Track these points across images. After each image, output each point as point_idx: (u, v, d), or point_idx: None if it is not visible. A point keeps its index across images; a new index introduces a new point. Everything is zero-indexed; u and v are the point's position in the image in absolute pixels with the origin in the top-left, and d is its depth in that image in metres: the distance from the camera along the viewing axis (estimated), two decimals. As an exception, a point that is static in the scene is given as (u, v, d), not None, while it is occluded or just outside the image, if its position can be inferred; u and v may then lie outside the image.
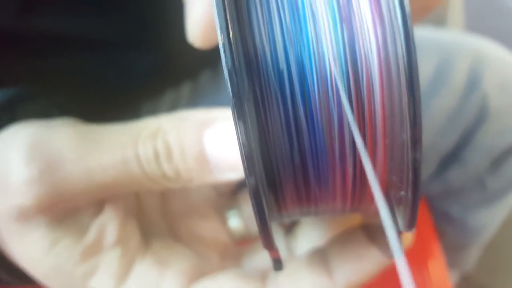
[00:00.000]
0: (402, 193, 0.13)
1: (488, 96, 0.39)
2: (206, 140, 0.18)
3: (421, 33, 0.41)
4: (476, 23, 0.62)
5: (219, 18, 0.11)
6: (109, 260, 0.20)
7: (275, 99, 0.13)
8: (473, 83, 0.39)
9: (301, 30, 0.13)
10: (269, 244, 0.14)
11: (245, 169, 0.12)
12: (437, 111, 0.39)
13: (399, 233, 0.14)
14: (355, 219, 0.21)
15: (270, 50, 0.13)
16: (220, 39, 0.11)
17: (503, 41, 0.47)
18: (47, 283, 0.21)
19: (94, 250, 0.20)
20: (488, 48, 0.41)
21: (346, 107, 0.12)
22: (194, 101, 0.42)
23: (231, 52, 0.11)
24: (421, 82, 0.43)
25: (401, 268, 0.10)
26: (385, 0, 0.12)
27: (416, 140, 0.12)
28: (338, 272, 0.18)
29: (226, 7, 0.11)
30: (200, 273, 0.21)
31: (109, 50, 0.34)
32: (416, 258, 0.45)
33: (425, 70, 0.39)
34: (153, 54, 0.36)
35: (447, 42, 0.41)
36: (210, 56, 0.23)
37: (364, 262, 0.18)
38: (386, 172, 0.14)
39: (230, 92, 0.11)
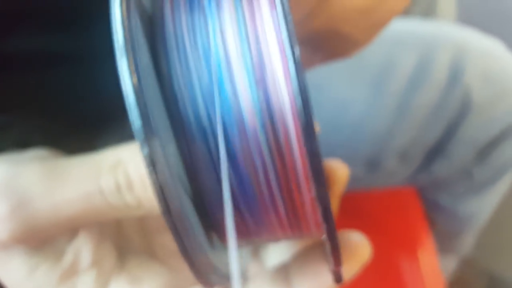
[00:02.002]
0: (324, 237, 0.14)
1: (471, 89, 0.39)
2: None
3: (401, 26, 0.41)
4: (469, 12, 0.61)
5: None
6: (86, 282, 0.21)
7: (202, 155, 0.14)
8: (455, 76, 0.39)
9: (219, 90, 0.13)
10: (199, 278, 0.15)
11: (167, 222, 0.13)
12: (419, 105, 0.39)
13: (338, 267, 0.15)
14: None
15: (193, 110, 0.14)
16: (129, 107, 0.12)
17: (496, 29, 0.46)
18: (30, 305, 0.22)
19: (70, 273, 0.21)
20: (470, 39, 0.41)
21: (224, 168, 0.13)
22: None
23: (143, 115, 0.12)
24: (402, 77, 0.43)
25: None
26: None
27: (321, 195, 0.12)
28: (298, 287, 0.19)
29: (135, 80, 0.12)
30: None
31: (91, 65, 0.35)
32: (407, 246, 0.46)
33: (406, 65, 0.39)
34: None
35: (428, 35, 0.40)
36: None
37: (321, 279, 0.19)
38: (315, 211, 0.15)
39: (145, 159, 0.12)
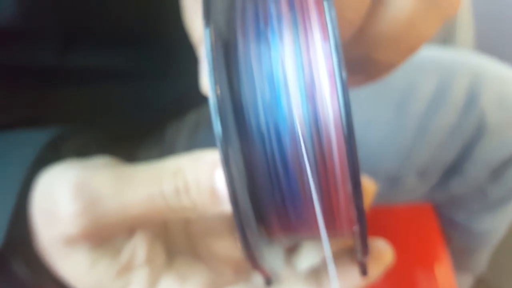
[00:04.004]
0: (355, 227, 0.17)
1: (486, 113, 0.41)
2: (217, 177, 0.22)
3: (423, 53, 0.44)
4: (486, 41, 0.63)
5: (212, 98, 0.15)
6: (140, 277, 0.24)
7: (259, 155, 0.17)
8: (471, 100, 0.41)
9: (277, 104, 0.17)
10: (255, 265, 0.17)
11: (233, 212, 0.16)
12: (438, 126, 0.42)
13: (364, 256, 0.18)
14: (344, 241, 0.24)
15: (255, 119, 0.17)
16: (213, 115, 0.15)
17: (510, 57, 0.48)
18: (89, 296, 0.25)
19: (127, 268, 0.24)
20: (486, 66, 0.43)
21: (308, 169, 0.16)
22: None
23: (222, 121, 0.15)
24: (422, 100, 0.46)
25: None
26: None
27: (356, 190, 0.15)
28: (328, 287, 0.22)
29: (219, 93, 0.15)
30: (215, 287, 0.24)
31: (140, 81, 0.38)
32: (424, 262, 0.48)
33: (427, 89, 0.42)
34: (178, 83, 0.40)
35: (447, 62, 0.43)
36: None
37: (348, 279, 0.22)
38: (348, 211, 0.17)
39: (221, 155, 0.15)
